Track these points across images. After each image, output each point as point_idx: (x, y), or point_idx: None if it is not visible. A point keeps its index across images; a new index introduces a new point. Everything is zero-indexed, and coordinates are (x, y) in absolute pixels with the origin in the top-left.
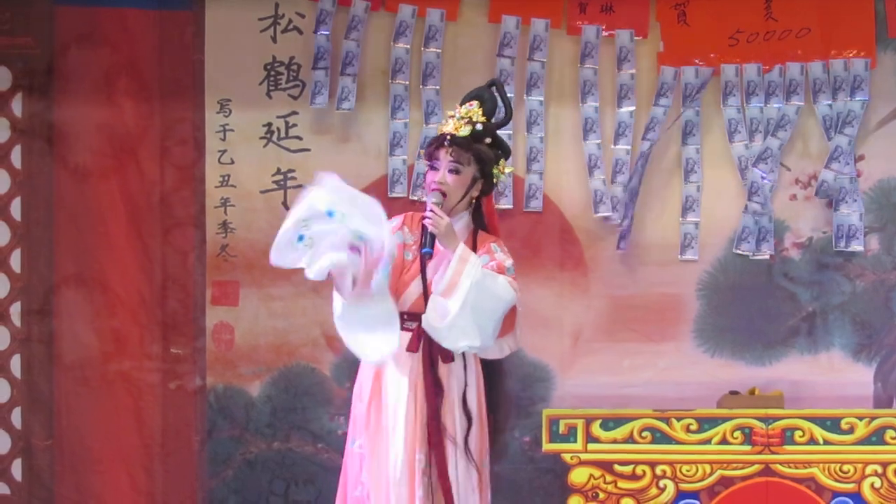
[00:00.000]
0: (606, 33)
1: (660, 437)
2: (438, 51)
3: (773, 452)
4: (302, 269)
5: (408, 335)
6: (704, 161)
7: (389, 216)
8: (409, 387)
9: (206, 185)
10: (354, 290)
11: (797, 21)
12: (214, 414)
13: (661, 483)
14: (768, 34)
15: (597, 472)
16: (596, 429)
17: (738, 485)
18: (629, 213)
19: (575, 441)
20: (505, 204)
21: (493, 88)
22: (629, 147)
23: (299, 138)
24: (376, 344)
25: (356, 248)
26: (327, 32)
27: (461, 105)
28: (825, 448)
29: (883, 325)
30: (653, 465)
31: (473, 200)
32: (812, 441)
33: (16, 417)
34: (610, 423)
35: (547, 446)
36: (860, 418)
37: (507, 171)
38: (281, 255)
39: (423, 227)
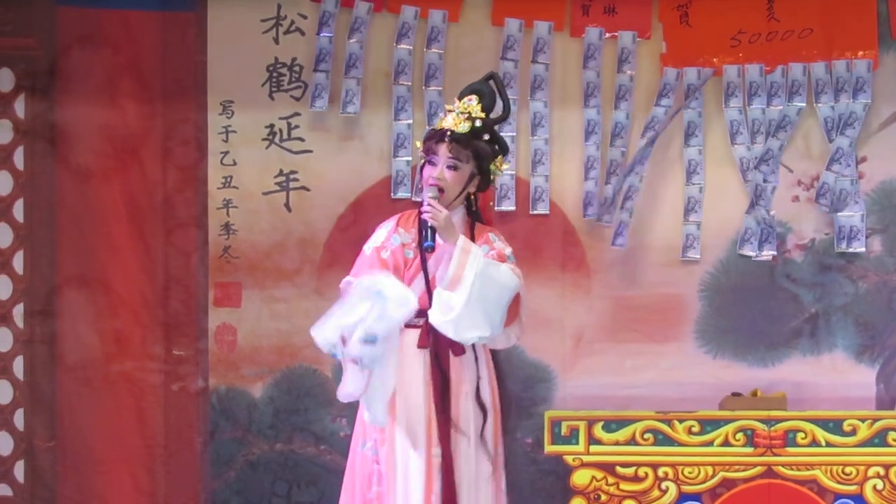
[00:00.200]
0: (609, 35)
1: (662, 439)
2: (441, 52)
3: (775, 454)
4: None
5: (416, 332)
6: (706, 162)
7: None
8: (423, 383)
9: (209, 187)
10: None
11: (799, 22)
12: (217, 415)
13: (664, 485)
14: (770, 35)
15: (599, 474)
16: (598, 430)
17: (740, 487)
18: (626, 208)
19: (577, 443)
20: (507, 206)
21: (491, 82)
22: (625, 149)
23: (301, 140)
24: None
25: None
26: (330, 34)
27: (459, 99)
28: (827, 450)
29: (886, 327)
30: (655, 466)
31: (471, 196)
32: (814, 443)
33: (18, 419)
34: (612, 424)
35: (549, 448)
36: (862, 420)
37: (504, 167)
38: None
39: (421, 222)
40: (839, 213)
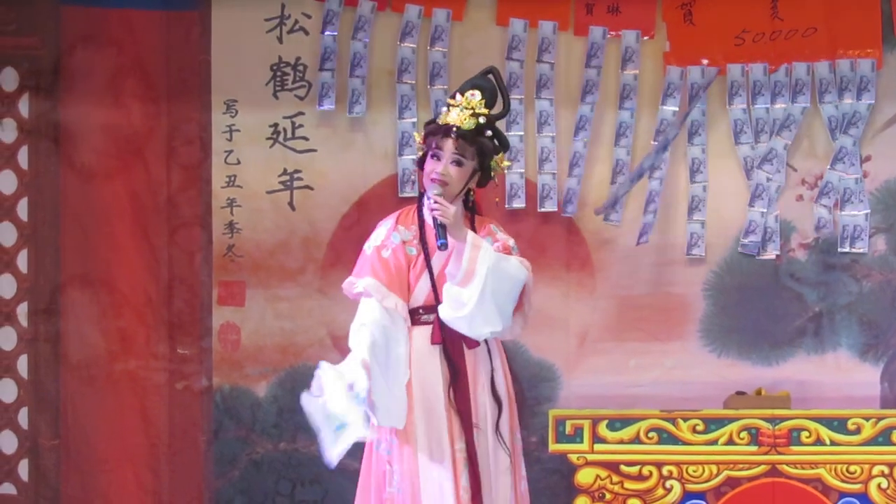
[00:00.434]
0: (613, 34)
1: (666, 438)
2: (445, 51)
3: (779, 453)
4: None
5: (428, 328)
6: (710, 161)
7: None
8: (441, 378)
9: (213, 186)
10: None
11: (803, 21)
12: (221, 414)
13: (668, 483)
14: (774, 34)
15: (603, 473)
16: (602, 429)
17: (744, 485)
18: (650, 210)
19: (581, 441)
20: (517, 204)
21: (491, 76)
22: (629, 148)
23: (306, 139)
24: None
25: None
26: (334, 33)
27: (461, 94)
28: (832, 448)
29: (890, 326)
30: (659, 465)
31: (470, 191)
32: (819, 441)
33: (22, 417)
34: (616, 423)
35: (553, 447)
36: (867, 419)
37: (504, 164)
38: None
39: (421, 220)
40: (843, 213)
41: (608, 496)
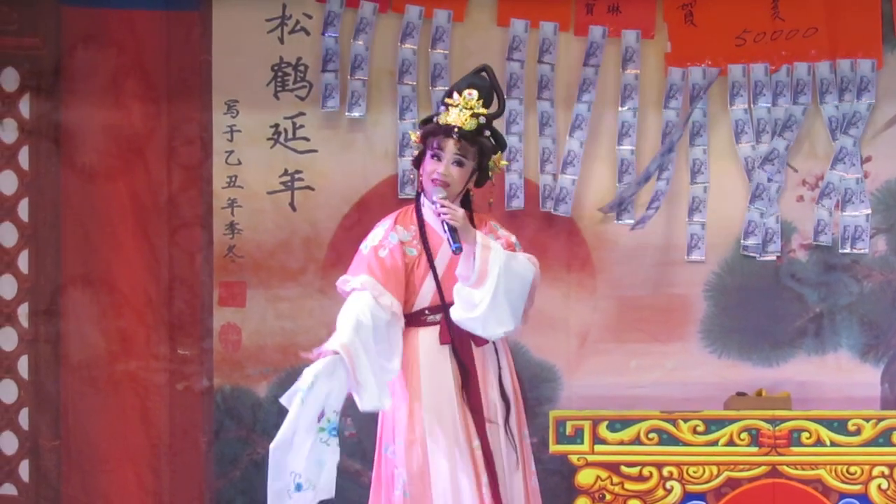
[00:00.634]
0: (611, 30)
1: (667, 439)
2: (446, 52)
3: (779, 454)
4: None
5: (435, 329)
6: (711, 161)
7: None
8: (453, 378)
9: (214, 186)
10: None
11: (804, 21)
12: (221, 415)
13: (668, 484)
14: (775, 34)
15: (604, 474)
16: (603, 430)
17: (744, 486)
18: (653, 207)
19: (582, 442)
20: (516, 204)
21: (485, 74)
22: (633, 147)
23: (307, 139)
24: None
25: None
26: (336, 35)
27: (459, 93)
28: (832, 449)
29: (890, 326)
30: (660, 466)
31: (469, 192)
32: (819, 442)
33: (23, 418)
34: (617, 424)
35: (554, 448)
36: (867, 420)
37: (502, 164)
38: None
39: (420, 220)
40: (844, 213)
41: (608, 497)
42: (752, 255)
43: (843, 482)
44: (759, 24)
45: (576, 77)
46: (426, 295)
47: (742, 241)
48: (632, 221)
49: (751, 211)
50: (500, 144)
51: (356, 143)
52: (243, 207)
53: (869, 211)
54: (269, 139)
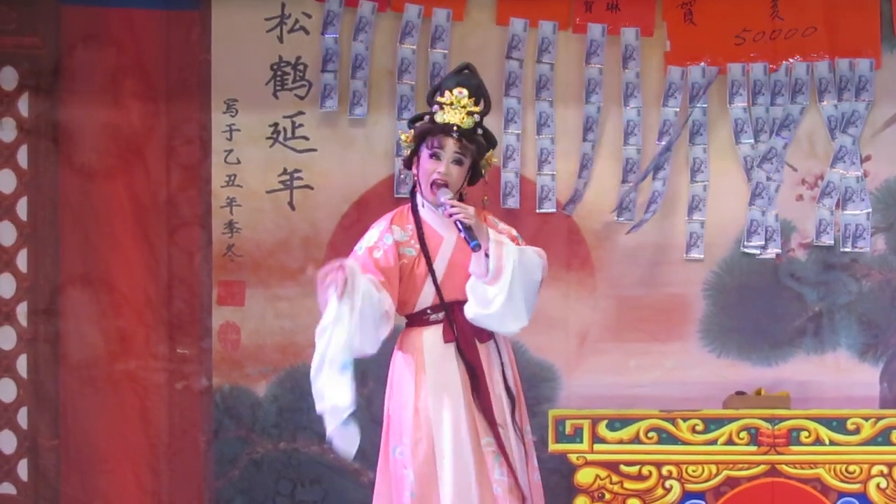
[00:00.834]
0: (610, 28)
1: (666, 438)
2: (445, 51)
3: (778, 453)
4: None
5: (439, 328)
6: (711, 160)
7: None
8: (459, 375)
9: (213, 185)
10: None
11: (803, 20)
12: (221, 414)
13: (667, 483)
14: (774, 33)
15: (603, 473)
16: (602, 429)
17: (743, 485)
18: (651, 210)
19: (581, 441)
20: (512, 204)
21: (468, 71)
22: (639, 146)
23: (306, 138)
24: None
25: None
26: (335, 34)
27: (450, 91)
28: (831, 449)
29: (889, 325)
30: (659, 465)
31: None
32: (818, 441)
33: (22, 417)
34: (616, 423)
35: (553, 447)
36: (866, 419)
37: (493, 161)
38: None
39: (417, 219)
40: (845, 212)
41: (608, 496)
42: (752, 252)
43: (841, 481)
44: (759, 24)
45: (574, 75)
46: (427, 295)
47: (744, 241)
48: (633, 221)
49: (752, 210)
50: (491, 142)
51: (355, 142)
52: (242, 207)
53: (870, 209)
54: (268, 138)
